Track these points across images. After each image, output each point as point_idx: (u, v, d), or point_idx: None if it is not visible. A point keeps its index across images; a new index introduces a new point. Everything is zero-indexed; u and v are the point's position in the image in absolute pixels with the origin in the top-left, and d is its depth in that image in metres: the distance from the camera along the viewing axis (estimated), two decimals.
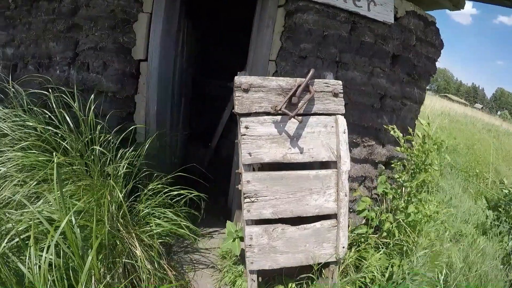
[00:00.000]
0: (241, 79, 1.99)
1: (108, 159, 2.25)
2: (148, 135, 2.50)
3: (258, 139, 1.99)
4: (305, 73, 2.23)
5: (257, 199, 2.02)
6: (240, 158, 2.07)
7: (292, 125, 2.05)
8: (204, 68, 4.89)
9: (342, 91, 2.19)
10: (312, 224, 2.18)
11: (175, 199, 2.49)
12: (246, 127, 1.97)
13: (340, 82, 2.20)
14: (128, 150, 2.30)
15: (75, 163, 2.16)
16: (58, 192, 1.76)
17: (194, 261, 2.67)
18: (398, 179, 2.59)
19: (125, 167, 2.27)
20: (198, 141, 4.26)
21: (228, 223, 2.42)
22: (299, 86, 2.04)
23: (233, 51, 4.66)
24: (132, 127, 2.39)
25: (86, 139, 2.15)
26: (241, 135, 1.97)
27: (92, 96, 2.15)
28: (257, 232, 2.06)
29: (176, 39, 2.80)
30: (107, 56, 2.30)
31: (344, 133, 2.15)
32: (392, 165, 2.60)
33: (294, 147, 2.06)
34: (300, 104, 2.04)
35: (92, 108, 2.13)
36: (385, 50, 2.71)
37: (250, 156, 1.98)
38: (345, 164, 2.14)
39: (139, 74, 2.47)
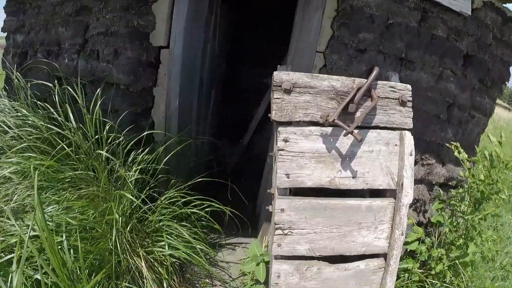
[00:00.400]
0: (281, 76, 1.31)
1: (118, 163, 1.67)
2: (169, 133, 1.89)
3: (299, 156, 1.32)
4: (364, 72, 1.51)
5: (292, 232, 1.38)
6: (274, 178, 1.42)
7: (345, 141, 1.37)
8: (238, 56, 4.07)
9: (411, 98, 1.46)
10: (354, 264, 1.51)
11: (196, 207, 1.89)
12: (285, 140, 1.30)
13: (409, 86, 1.47)
14: (143, 152, 1.71)
15: (79, 168, 1.60)
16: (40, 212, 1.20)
17: (212, 276, 2.10)
18: (455, 207, 1.85)
19: (137, 172, 1.69)
20: (228, 135, 3.57)
21: (252, 245, 1.81)
22: (358, 89, 1.33)
23: (269, 38, 3.87)
24: (148, 128, 1.78)
25: (93, 139, 1.57)
26: (278, 149, 1.31)
27: (100, 89, 1.55)
28: (286, 270, 1.43)
29: (206, 22, 2.14)
30: (119, 42, 1.70)
31: (411, 155, 1.43)
32: (453, 193, 1.84)
33: (345, 169, 1.38)
34: (359, 115, 1.35)
35: (99, 103, 1.53)
36: (458, 49, 1.91)
37: (288, 178, 1.33)
38: (407, 196, 1.44)
39: (159, 63, 1.85)
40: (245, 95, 3.95)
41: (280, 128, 1.31)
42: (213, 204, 1.83)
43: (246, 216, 2.66)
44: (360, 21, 1.59)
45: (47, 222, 1.51)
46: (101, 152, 1.55)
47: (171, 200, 1.84)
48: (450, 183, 2.03)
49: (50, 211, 1.60)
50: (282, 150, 1.31)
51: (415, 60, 1.74)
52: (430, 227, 2.03)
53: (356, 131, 1.31)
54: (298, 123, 1.33)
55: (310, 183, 1.35)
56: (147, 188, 1.74)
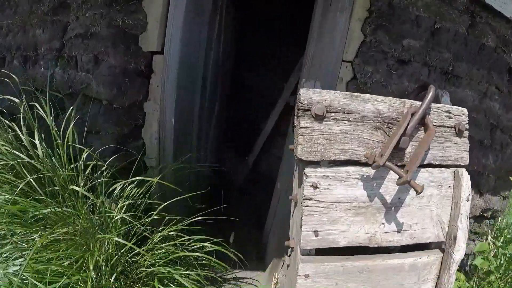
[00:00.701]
0: (311, 96, 0.88)
1: (100, 201, 1.23)
2: (163, 158, 1.46)
3: (333, 207, 0.90)
4: (413, 91, 1.07)
5: None
6: (294, 231, 1.01)
7: (391, 185, 0.95)
8: (241, 60, 3.61)
9: (468, 126, 1.04)
10: None
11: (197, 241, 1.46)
12: (315, 186, 0.87)
13: (465, 111, 1.05)
14: (133, 179, 1.27)
15: (51, 205, 1.17)
16: None
17: None
18: (502, 250, 1.45)
19: (125, 208, 1.25)
20: (231, 151, 3.01)
21: None
22: (412, 115, 0.90)
23: (269, 39, 3.40)
24: (137, 150, 1.34)
25: (65, 171, 1.13)
26: (304, 198, 0.88)
27: (74, 106, 1.10)
28: None
29: (210, 22, 1.68)
30: (99, 47, 1.24)
31: (468, 200, 1.02)
32: (506, 237, 1.43)
33: (389, 222, 0.96)
34: (409, 150, 0.92)
35: (72, 124, 1.09)
36: (505, 61, 1.49)
37: (316, 236, 0.90)
38: (460, 251, 1.03)
39: (151, 73, 1.39)
40: (247, 95, 3.51)
41: (307, 170, 0.87)
42: (214, 246, 1.40)
43: (251, 241, 2.24)
44: (404, 24, 1.15)
45: (12, 278, 1.10)
46: (76, 188, 1.11)
47: (168, 243, 1.40)
48: (485, 215, 1.62)
49: (20, 261, 1.17)
50: (309, 199, 0.88)
51: (462, 75, 1.30)
52: (465, 263, 1.63)
53: (418, 182, 0.89)
54: (332, 162, 0.90)
55: (344, 242, 0.93)
56: (138, 225, 1.31)
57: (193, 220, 1.41)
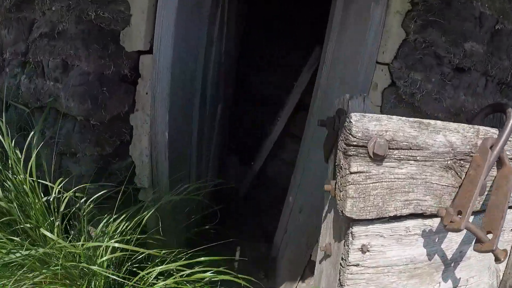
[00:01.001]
0: (366, 124, 0.59)
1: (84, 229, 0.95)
2: (157, 177, 1.17)
3: (384, 272, 0.66)
4: (478, 114, 0.80)
5: None
6: (324, 287, 0.76)
7: (454, 238, 0.70)
8: (245, 58, 3.19)
9: None
10: None
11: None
12: (364, 250, 0.62)
13: None
14: (120, 214, 0.99)
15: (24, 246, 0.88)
16: None
17: None
18: None
19: (113, 247, 0.98)
20: (235, 156, 2.63)
21: None
22: (491, 148, 0.64)
23: (268, 39, 3.03)
24: (125, 169, 1.04)
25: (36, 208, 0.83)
26: (348, 264, 0.62)
27: (39, 124, 0.78)
28: None
29: (210, 17, 1.32)
30: (68, 49, 0.90)
31: None
32: None
33: (446, 280, 0.73)
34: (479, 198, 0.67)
35: (35, 153, 0.77)
36: None
37: None
38: None
39: (137, 77, 1.06)
40: (247, 95, 3.20)
41: (356, 229, 0.61)
42: (218, 276, 1.16)
43: (258, 255, 2.02)
44: (465, 22, 0.85)
45: None
46: (47, 234, 0.82)
47: (165, 280, 1.15)
48: None
49: None
50: (356, 265, 0.63)
51: None
52: None
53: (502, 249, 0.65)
54: (392, 218, 0.64)
55: None
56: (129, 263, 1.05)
57: (194, 251, 1.16)
